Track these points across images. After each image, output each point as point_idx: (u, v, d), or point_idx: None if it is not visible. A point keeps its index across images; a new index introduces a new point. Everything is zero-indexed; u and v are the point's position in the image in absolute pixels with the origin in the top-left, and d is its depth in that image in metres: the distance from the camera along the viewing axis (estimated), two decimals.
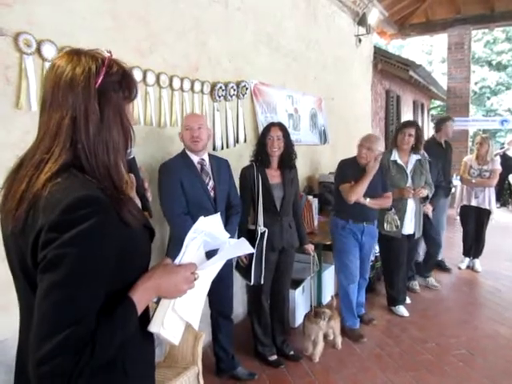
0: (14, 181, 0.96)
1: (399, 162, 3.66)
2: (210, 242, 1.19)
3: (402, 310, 3.84)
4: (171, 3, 2.78)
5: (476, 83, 15.94)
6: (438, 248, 4.60)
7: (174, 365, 2.27)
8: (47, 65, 2.02)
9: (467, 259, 5.11)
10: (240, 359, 2.92)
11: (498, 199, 9.59)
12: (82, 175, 0.93)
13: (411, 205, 3.66)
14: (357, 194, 3.16)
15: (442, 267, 4.99)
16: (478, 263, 5.03)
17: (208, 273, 1.15)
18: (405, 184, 3.61)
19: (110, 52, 1.00)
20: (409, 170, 3.66)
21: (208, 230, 1.18)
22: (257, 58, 3.77)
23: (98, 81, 0.93)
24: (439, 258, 5.05)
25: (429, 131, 12.91)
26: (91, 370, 0.84)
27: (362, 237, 3.35)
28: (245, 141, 3.55)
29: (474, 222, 4.89)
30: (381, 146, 3.20)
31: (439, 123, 4.68)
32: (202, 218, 1.18)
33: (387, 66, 7.43)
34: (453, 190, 5.46)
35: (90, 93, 0.93)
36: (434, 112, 16.36)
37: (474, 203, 4.78)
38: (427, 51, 18.24)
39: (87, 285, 0.86)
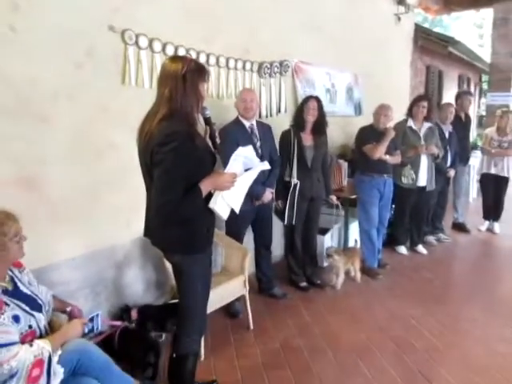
0: (143, 124, 1.90)
1: (414, 127, 4.39)
2: (246, 163, 2.05)
3: (402, 249, 4.75)
4: None
5: None
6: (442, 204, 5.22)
7: (227, 274, 3.08)
8: (142, 52, 2.84)
9: (487, 222, 5.62)
10: (277, 285, 3.72)
11: None
12: (173, 120, 1.80)
13: (424, 161, 4.40)
14: (380, 151, 3.88)
15: (462, 228, 5.56)
16: (496, 226, 5.54)
17: (244, 179, 2.03)
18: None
19: (191, 55, 2.05)
20: (422, 133, 4.39)
21: (245, 154, 2.04)
22: (299, 39, 4.41)
23: (182, 71, 1.81)
24: (461, 221, 5.63)
25: (475, 105, 12.95)
26: (179, 217, 1.85)
27: (383, 188, 4.06)
28: (285, 111, 4.26)
29: (493, 189, 5.38)
30: (393, 113, 3.94)
31: (457, 97, 5.19)
32: (240, 148, 2.06)
33: (427, 43, 7.76)
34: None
35: (178, 77, 1.81)
36: (485, 86, 16.10)
37: (493, 171, 5.28)
38: (479, 24, 17.83)
39: (175, 173, 1.75)
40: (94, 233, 2.78)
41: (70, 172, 2.58)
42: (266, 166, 2.11)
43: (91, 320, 2.06)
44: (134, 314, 2.83)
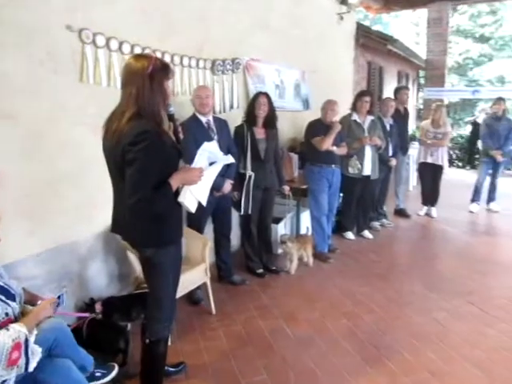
0: (109, 122, 1.91)
1: (358, 120, 4.71)
2: (211, 157, 2.17)
3: (349, 234, 5.08)
4: None
5: (460, 54, 16.70)
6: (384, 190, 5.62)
7: (189, 263, 3.23)
8: (99, 51, 2.91)
9: (425, 207, 6.11)
10: (235, 272, 3.91)
11: (469, 162, 10.58)
12: (142, 119, 1.83)
13: (369, 151, 4.73)
14: (327, 143, 4.16)
15: (403, 214, 6.01)
16: (434, 211, 6.03)
17: (210, 173, 2.14)
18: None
19: (155, 53, 2.05)
20: (365, 126, 4.73)
21: (209, 149, 2.15)
22: (250, 38, 4.60)
23: (149, 69, 1.83)
24: (402, 207, 6.08)
25: (413, 99, 13.73)
26: (152, 213, 1.87)
27: (332, 177, 4.35)
28: (238, 107, 4.43)
29: (430, 176, 5.86)
30: (338, 108, 4.24)
31: (395, 92, 5.60)
32: (205, 143, 2.17)
33: (368, 41, 8.19)
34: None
35: (144, 76, 1.83)
36: (422, 81, 17.11)
37: (429, 160, 5.77)
38: (416, 23, 18.84)
39: (147, 172, 1.79)
40: (57, 228, 2.83)
41: (32, 168, 2.63)
42: (229, 159, 2.25)
43: (58, 298, 2.18)
44: (98, 307, 2.91)
